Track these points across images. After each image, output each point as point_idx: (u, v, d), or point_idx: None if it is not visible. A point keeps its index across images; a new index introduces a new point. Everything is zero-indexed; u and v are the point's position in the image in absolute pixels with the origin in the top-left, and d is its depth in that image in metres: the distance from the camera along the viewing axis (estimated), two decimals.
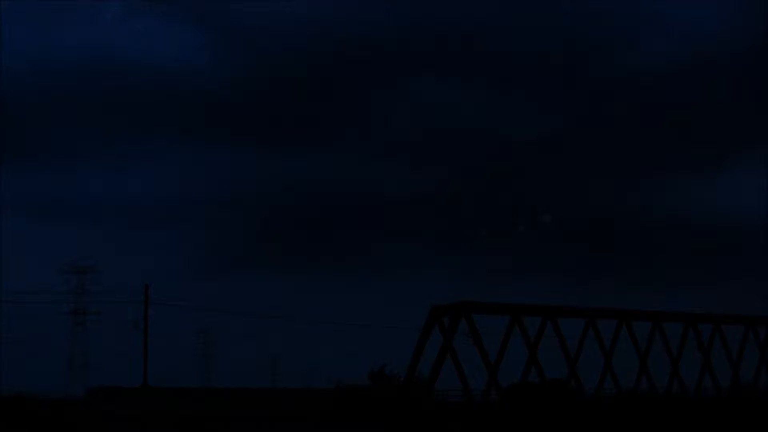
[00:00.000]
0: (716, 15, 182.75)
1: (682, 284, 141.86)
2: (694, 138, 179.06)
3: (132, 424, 53.81)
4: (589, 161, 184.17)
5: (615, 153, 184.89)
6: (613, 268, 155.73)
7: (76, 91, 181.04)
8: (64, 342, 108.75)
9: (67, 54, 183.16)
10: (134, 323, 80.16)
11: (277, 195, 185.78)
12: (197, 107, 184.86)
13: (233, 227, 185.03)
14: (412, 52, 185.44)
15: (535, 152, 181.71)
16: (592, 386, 68.96)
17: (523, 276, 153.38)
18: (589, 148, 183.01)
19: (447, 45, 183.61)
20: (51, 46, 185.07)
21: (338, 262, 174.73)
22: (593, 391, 68.28)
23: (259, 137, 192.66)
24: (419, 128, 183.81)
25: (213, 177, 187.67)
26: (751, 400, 65.56)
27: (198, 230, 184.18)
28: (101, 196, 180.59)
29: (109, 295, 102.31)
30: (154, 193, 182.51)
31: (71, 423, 51.80)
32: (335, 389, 61.46)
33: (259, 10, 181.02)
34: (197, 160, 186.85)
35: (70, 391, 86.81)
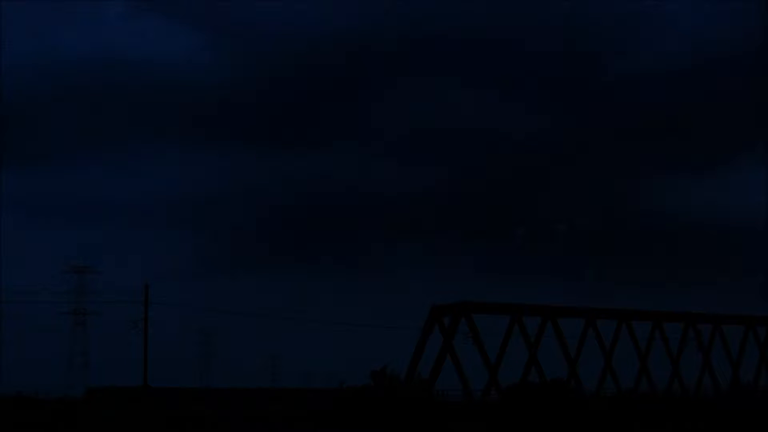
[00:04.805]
0: (716, 16, 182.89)
1: (682, 284, 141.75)
2: (694, 138, 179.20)
3: (131, 423, 53.76)
4: (589, 162, 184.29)
5: (615, 153, 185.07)
6: (613, 268, 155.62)
7: (77, 91, 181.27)
8: (64, 342, 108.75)
9: (68, 54, 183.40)
10: (134, 323, 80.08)
11: (277, 195, 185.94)
12: (198, 107, 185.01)
13: (233, 227, 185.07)
14: (412, 52, 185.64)
15: (536, 153, 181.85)
16: (592, 386, 68.98)
17: (523, 276, 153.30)
18: (590, 149, 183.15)
19: (447, 45, 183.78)
20: (52, 47, 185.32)
21: (338, 262, 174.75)
22: (593, 391, 68.29)
23: (259, 137, 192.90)
24: (419, 128, 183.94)
25: (213, 177, 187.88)
26: (751, 400, 65.61)
27: (198, 230, 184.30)
28: (101, 196, 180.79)
29: (109, 295, 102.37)
30: (154, 193, 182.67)
31: (71, 423, 51.78)
32: (339, 389, 61.39)
33: (259, 10, 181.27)
34: (197, 160, 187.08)
35: (70, 391, 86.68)
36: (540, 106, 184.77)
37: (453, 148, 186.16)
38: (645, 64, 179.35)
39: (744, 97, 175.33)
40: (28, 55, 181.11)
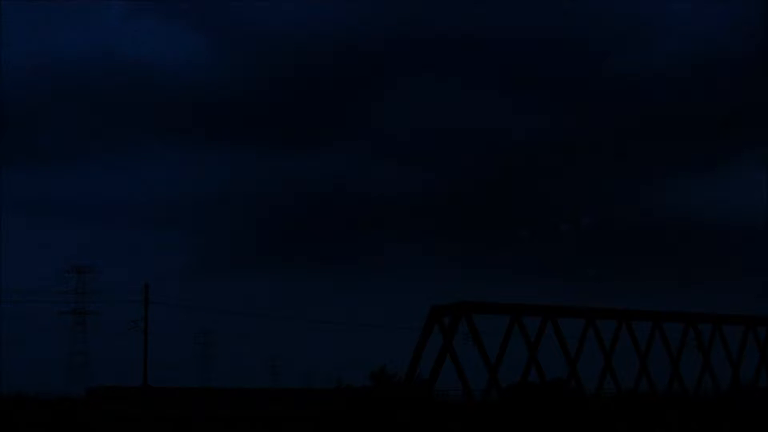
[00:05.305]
0: (717, 17, 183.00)
1: (682, 284, 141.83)
2: (694, 138, 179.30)
3: (132, 423, 53.81)
4: (589, 162, 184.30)
5: (615, 153, 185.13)
6: (613, 268, 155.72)
7: (77, 91, 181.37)
8: (64, 342, 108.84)
9: (69, 55, 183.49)
10: (134, 323, 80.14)
11: (277, 195, 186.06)
12: (198, 108, 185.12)
13: (233, 227, 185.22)
14: (412, 52, 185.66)
15: (536, 153, 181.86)
16: (592, 386, 68.95)
17: (523, 276, 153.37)
18: (590, 149, 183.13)
19: (447, 45, 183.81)
20: (52, 47, 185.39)
21: (338, 262, 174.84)
22: (593, 391, 68.26)
23: (259, 137, 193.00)
24: (419, 128, 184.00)
25: (213, 177, 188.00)
26: (751, 400, 65.60)
27: (198, 230, 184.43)
28: (101, 196, 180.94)
29: (109, 295, 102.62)
30: (154, 193, 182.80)
31: (72, 423, 51.78)
32: (336, 389, 61.40)
33: (259, 10, 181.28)
34: (197, 160, 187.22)
35: (70, 391, 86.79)
36: (540, 106, 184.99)
37: (453, 148, 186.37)
38: (645, 64, 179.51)
39: (744, 97, 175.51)
40: (28, 55, 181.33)
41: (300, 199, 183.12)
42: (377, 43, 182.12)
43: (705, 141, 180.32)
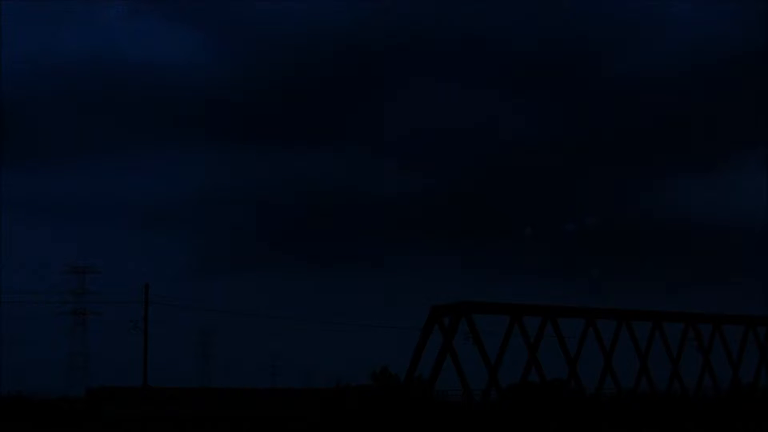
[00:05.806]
0: (716, 16, 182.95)
1: (682, 284, 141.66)
2: (694, 138, 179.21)
3: (131, 424, 53.82)
4: (589, 162, 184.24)
5: (615, 154, 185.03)
6: (614, 268, 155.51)
7: (77, 91, 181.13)
8: (64, 342, 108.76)
9: (68, 55, 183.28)
10: (134, 323, 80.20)
11: (277, 195, 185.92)
12: (198, 107, 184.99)
13: (233, 227, 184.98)
14: (412, 52, 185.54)
15: (536, 153, 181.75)
16: (592, 386, 68.95)
17: (523, 276, 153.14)
18: (589, 149, 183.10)
19: (447, 45, 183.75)
20: (52, 47, 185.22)
21: (338, 262, 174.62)
22: (593, 391, 68.27)
23: (259, 137, 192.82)
24: (419, 128, 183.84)
25: (213, 177, 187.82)
26: (751, 400, 65.63)
27: (198, 230, 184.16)
28: (101, 196, 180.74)
29: (109, 295, 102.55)
30: (154, 193, 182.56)
31: (71, 423, 51.82)
32: (335, 389, 61.40)
33: (259, 10, 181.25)
34: (197, 160, 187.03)
35: (70, 391, 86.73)
36: (540, 106, 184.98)
37: (453, 148, 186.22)
38: (645, 64, 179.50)
39: (744, 97, 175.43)
40: (28, 55, 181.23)
41: (300, 198, 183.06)
42: (378, 43, 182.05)
43: (705, 141, 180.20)
